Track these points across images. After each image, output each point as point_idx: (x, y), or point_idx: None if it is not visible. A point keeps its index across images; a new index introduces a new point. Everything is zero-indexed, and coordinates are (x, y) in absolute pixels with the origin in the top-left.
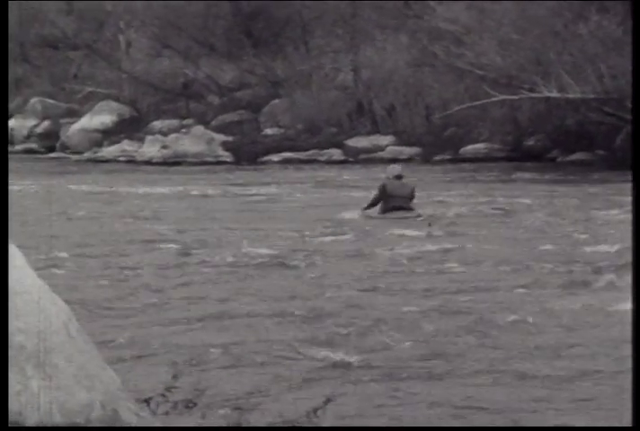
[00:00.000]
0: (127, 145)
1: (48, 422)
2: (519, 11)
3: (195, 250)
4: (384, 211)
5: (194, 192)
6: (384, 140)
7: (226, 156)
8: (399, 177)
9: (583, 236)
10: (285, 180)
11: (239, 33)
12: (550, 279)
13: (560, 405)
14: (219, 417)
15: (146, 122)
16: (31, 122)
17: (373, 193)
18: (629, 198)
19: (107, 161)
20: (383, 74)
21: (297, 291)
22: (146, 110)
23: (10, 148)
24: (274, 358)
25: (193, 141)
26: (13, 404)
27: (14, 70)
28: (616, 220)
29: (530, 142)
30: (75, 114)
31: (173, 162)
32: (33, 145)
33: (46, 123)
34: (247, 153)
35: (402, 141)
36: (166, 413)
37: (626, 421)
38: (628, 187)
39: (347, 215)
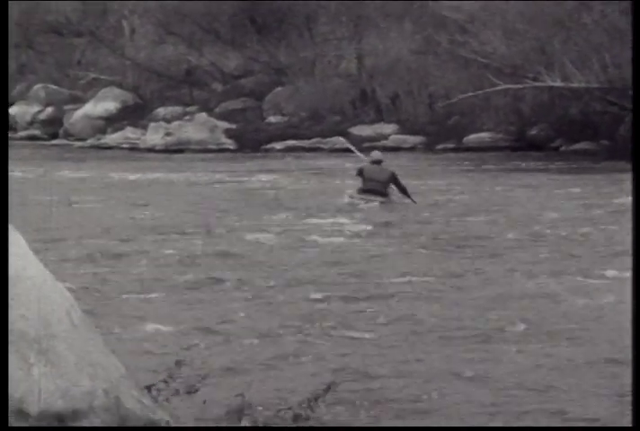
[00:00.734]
0: (130, 133)
1: (49, 409)
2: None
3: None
4: (358, 192)
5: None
6: (387, 129)
7: (229, 144)
8: (378, 162)
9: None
10: (284, 168)
11: (243, 19)
12: None
13: None
14: (221, 406)
15: (150, 109)
16: (34, 108)
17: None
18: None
19: (110, 148)
20: (387, 62)
21: None
22: (150, 97)
23: (13, 134)
24: None
25: (196, 128)
26: (15, 391)
27: (18, 56)
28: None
29: (534, 131)
30: (79, 101)
31: (176, 149)
32: (36, 132)
33: (49, 109)
34: (250, 141)
35: (405, 130)
36: (167, 400)
37: None
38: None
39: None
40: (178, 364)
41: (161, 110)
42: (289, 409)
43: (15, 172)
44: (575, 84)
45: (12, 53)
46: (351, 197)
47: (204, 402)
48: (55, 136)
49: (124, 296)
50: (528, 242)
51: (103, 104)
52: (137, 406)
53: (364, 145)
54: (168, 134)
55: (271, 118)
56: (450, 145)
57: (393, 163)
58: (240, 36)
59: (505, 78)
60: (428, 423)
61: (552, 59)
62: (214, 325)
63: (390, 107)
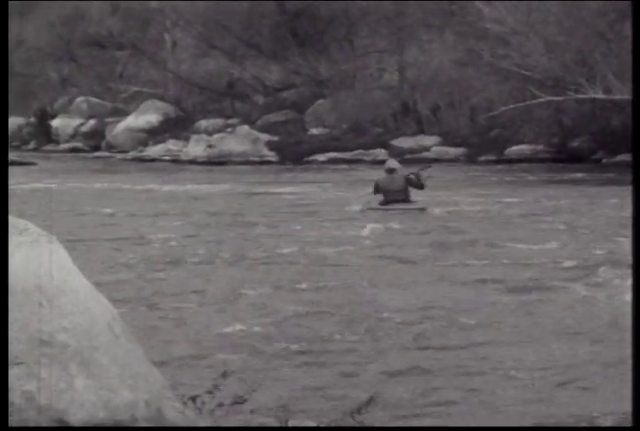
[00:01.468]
0: (172, 145)
1: (91, 420)
2: (564, 12)
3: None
4: (383, 204)
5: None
6: (429, 140)
7: (271, 156)
8: (390, 171)
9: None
10: (323, 180)
11: (284, 32)
12: None
13: None
14: (267, 417)
15: (192, 121)
16: (76, 121)
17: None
18: None
19: (152, 160)
20: (428, 74)
21: None
22: (192, 110)
23: (55, 147)
24: None
25: (238, 140)
26: (58, 402)
27: (60, 69)
28: None
29: (575, 143)
30: (121, 113)
31: (218, 161)
32: (79, 144)
33: (91, 122)
34: (292, 153)
35: (447, 141)
36: (212, 411)
37: None
38: None
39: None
40: (224, 375)
41: (203, 123)
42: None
43: (52, 184)
44: (617, 96)
45: (54, 66)
46: (370, 208)
47: (251, 412)
48: (97, 148)
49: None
50: None
51: (145, 117)
52: (179, 417)
53: (405, 156)
54: (210, 146)
55: (313, 131)
56: (492, 157)
57: (435, 174)
58: (281, 49)
59: (547, 90)
60: None
61: (593, 71)
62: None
63: (432, 119)
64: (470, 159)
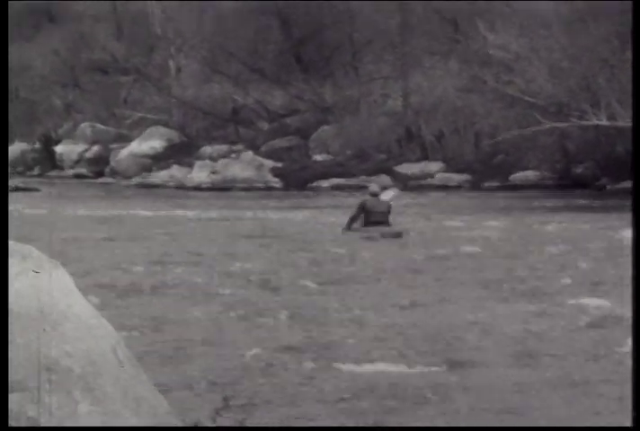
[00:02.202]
0: (176, 171)
1: None
2: (568, 38)
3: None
4: (365, 225)
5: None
6: (433, 167)
7: (275, 182)
8: (375, 194)
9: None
10: (320, 205)
11: (289, 58)
12: None
13: None
14: None
15: (196, 147)
16: (80, 147)
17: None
18: None
19: (156, 186)
20: (432, 101)
21: None
22: (196, 136)
23: (60, 173)
24: None
25: (243, 166)
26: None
27: (65, 95)
28: None
29: (579, 169)
30: (125, 139)
31: (222, 187)
32: (83, 170)
33: (95, 148)
34: (296, 179)
35: (451, 168)
36: None
37: None
38: None
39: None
40: (225, 399)
41: (207, 149)
42: None
43: (54, 209)
44: (621, 123)
45: (58, 92)
46: (353, 230)
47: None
48: (101, 174)
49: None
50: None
51: (149, 142)
52: None
53: (410, 183)
54: (214, 172)
55: (317, 157)
56: (496, 183)
57: (440, 201)
58: (286, 74)
59: (551, 116)
60: None
61: (597, 97)
62: None
63: (436, 145)
64: (474, 185)
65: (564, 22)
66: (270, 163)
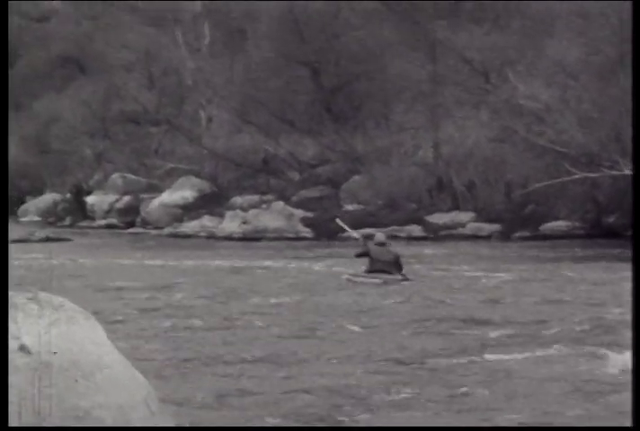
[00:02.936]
0: (207, 221)
1: None
2: (598, 89)
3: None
4: (369, 271)
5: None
6: (464, 216)
7: (306, 232)
8: (382, 244)
9: None
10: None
11: (319, 108)
12: None
13: None
14: None
15: (227, 198)
16: (111, 197)
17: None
18: None
19: (187, 236)
20: (463, 151)
21: None
22: (227, 186)
23: (90, 223)
24: None
25: (273, 217)
26: None
27: (95, 146)
28: None
29: (610, 219)
30: (156, 189)
31: (253, 237)
32: (113, 220)
33: (126, 198)
34: (327, 229)
35: (482, 217)
36: None
37: None
38: None
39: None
40: None
41: (238, 199)
42: None
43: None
44: None
45: (89, 143)
46: (356, 276)
47: None
48: (132, 224)
49: None
50: None
51: (180, 193)
52: None
53: (441, 232)
54: (245, 222)
55: (348, 207)
56: (527, 233)
57: (468, 251)
58: (316, 125)
59: (582, 166)
60: None
61: (628, 147)
62: None
63: (467, 195)
64: (505, 235)
65: (594, 73)
66: (300, 213)
